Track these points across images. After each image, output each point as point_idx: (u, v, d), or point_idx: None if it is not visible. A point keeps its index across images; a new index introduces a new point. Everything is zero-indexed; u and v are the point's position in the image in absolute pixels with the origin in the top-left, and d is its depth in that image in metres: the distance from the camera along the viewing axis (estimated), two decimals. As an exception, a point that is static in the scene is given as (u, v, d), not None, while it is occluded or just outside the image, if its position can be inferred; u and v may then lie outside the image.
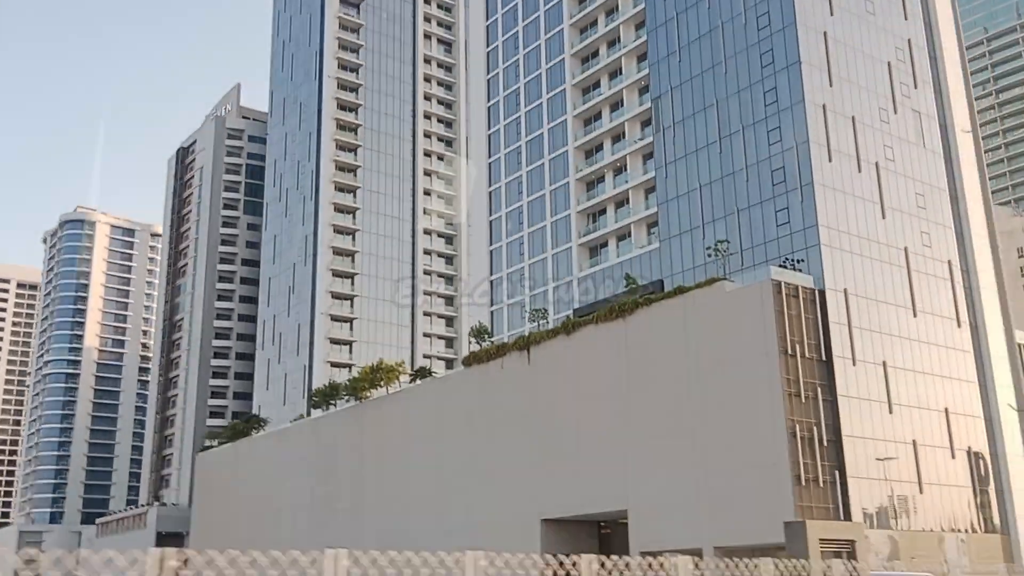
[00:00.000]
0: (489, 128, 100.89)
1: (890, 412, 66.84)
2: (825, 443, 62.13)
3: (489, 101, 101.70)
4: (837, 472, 62.13)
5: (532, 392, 78.57)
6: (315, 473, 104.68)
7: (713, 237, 73.70)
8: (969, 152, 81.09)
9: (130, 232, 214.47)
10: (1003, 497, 72.80)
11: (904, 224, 73.87)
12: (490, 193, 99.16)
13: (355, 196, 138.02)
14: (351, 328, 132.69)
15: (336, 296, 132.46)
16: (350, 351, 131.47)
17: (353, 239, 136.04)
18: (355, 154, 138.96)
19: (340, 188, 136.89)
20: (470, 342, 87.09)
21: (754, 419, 62.25)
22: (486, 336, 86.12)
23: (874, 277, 69.79)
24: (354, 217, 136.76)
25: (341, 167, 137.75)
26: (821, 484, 60.97)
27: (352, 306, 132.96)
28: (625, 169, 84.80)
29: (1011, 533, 72.06)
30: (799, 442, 60.63)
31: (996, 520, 71.43)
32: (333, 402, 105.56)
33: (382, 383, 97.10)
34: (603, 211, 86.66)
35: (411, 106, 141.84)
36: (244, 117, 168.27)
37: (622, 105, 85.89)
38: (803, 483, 59.92)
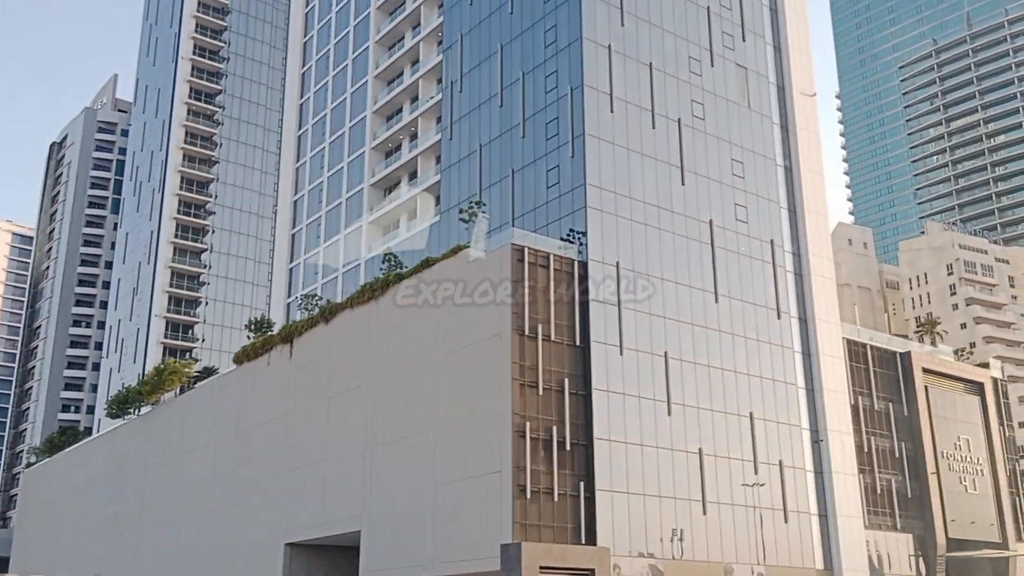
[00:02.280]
0: (301, 97, 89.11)
1: (669, 414, 54.39)
2: (568, 447, 49.65)
3: (304, 67, 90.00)
4: (582, 484, 49.58)
5: (293, 391, 66.22)
6: (108, 490, 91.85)
7: (492, 204, 61.59)
8: (810, 120, 69.32)
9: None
10: (827, 523, 60.21)
11: (713, 194, 61.90)
12: (296, 169, 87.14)
13: (208, 189, 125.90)
14: (193, 333, 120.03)
15: (177, 298, 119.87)
16: (191, 358, 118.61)
17: (202, 236, 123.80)
18: (211, 143, 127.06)
19: (190, 180, 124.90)
20: (248, 336, 74.70)
21: (483, 416, 49.88)
22: (265, 328, 73.77)
23: (663, 252, 57.70)
24: (204, 212, 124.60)
25: (193, 158, 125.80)
26: (556, 498, 48.39)
27: (195, 309, 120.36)
28: (418, 133, 72.91)
29: (834, 566, 59.36)
30: (529, 444, 48.14)
31: (815, 550, 58.74)
32: (131, 410, 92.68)
33: (167, 387, 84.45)
34: (398, 183, 74.64)
35: (281, 95, 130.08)
36: (120, 110, 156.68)
37: (419, 60, 74.16)
38: (528, 496, 47.33)
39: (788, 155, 67.79)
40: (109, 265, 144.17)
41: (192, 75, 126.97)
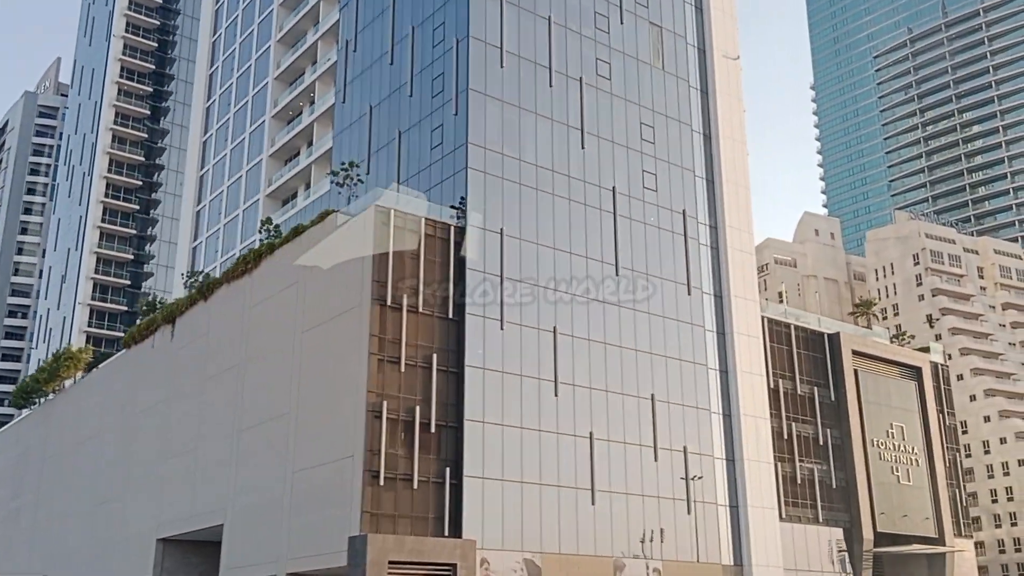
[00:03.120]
0: (211, 66, 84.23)
1: (556, 394, 49.67)
2: (433, 429, 44.91)
3: (214, 35, 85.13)
4: (448, 470, 44.84)
5: (173, 375, 61.49)
6: (11, 484, 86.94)
7: (377, 170, 56.87)
8: (732, 85, 64.69)
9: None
10: (737, 515, 55.57)
11: (618, 159, 57.23)
12: (203, 143, 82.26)
13: (138, 172, 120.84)
14: (119, 322, 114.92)
15: (103, 285, 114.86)
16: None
17: (131, 221, 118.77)
18: (143, 125, 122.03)
19: (119, 163, 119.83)
20: (140, 318, 69.88)
21: (339, 396, 45.15)
22: (151, 309, 68.97)
23: (556, 220, 52.98)
24: (134, 196, 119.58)
25: (123, 139, 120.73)
26: (416, 485, 43.64)
27: (123, 297, 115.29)
28: (315, 98, 68.08)
29: (744, 561, 54.73)
30: (386, 425, 43.40)
31: (722, 544, 54.09)
32: (36, 400, 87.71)
33: (63, 374, 79.55)
34: (297, 153, 69.80)
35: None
36: (62, 94, 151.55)
37: (319, 20, 69.33)
38: (382, 483, 42.58)
39: (707, 121, 63.17)
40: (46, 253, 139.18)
41: (125, 54, 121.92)
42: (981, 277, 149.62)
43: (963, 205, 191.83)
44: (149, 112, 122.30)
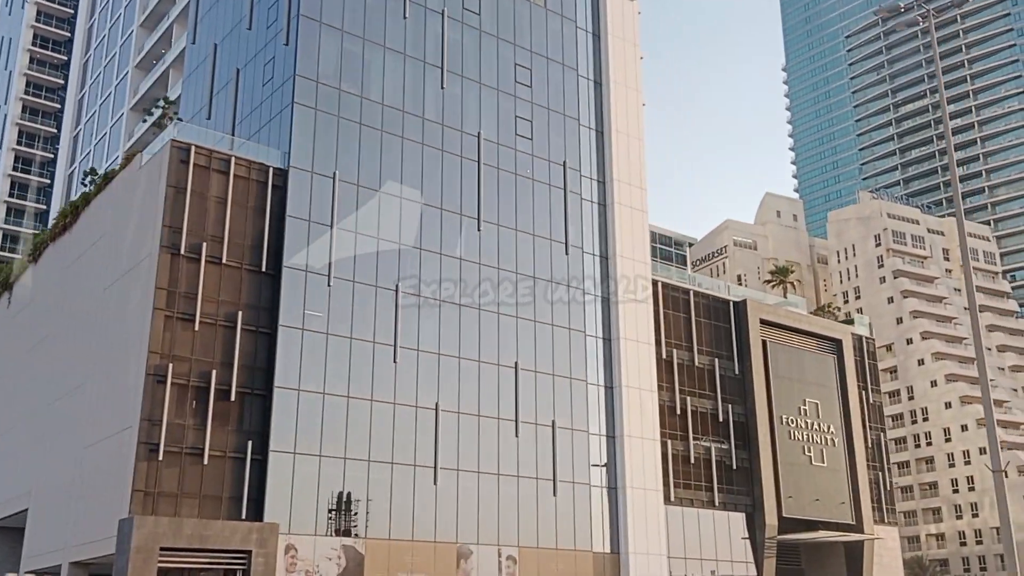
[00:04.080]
0: (88, 20, 78.12)
1: (395, 360, 43.77)
2: (234, 397, 39.05)
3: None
4: (251, 443, 39.00)
5: (7, 349, 55.61)
6: None
7: (217, 113, 50.92)
8: (628, 29, 58.84)
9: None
10: (616, 497, 49.80)
11: (486, 103, 51.36)
12: (78, 101, 76.17)
13: (51, 144, 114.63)
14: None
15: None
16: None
17: (41, 195, 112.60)
18: (57, 96, 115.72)
19: (30, 135, 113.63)
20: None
21: (126, 359, 39.27)
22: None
23: (407, 166, 47.09)
24: (42, 169, 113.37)
25: (35, 110, 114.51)
26: (207, 461, 37.80)
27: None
28: (172, 42, 62.02)
29: (621, 549, 48.97)
30: (171, 392, 37.54)
31: (595, 530, 48.31)
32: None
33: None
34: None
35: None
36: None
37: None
38: (161, 457, 36.71)
39: (599, 67, 57.26)
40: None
41: (38, 20, 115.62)
42: (947, 259, 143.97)
43: (935, 188, 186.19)
44: (63, 82, 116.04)
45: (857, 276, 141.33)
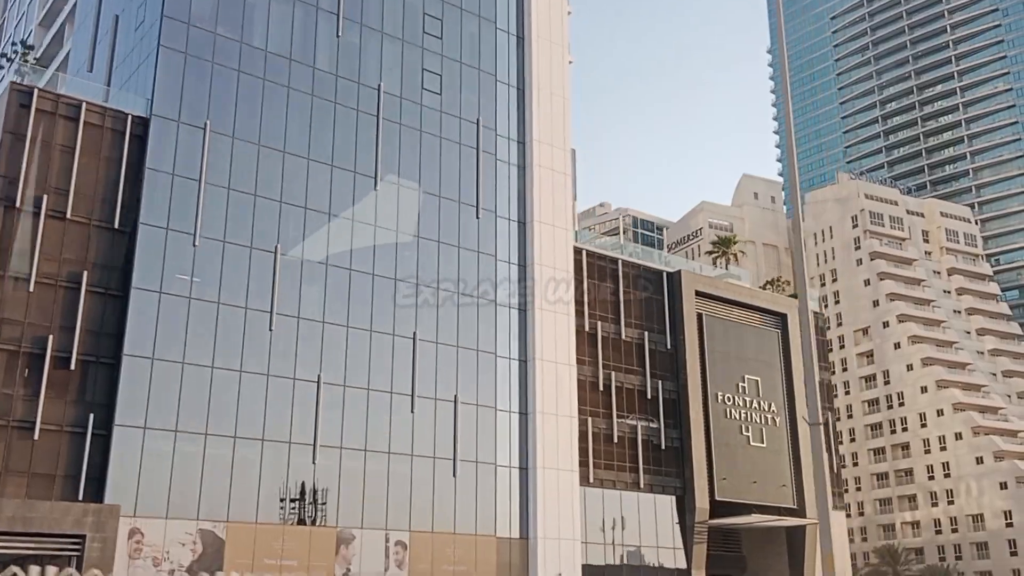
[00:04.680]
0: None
1: (271, 328, 40.09)
2: (74, 365, 35.36)
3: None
4: (93, 417, 35.31)
5: None
6: None
7: (99, 62, 47.09)
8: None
9: None
10: (526, 478, 46.18)
11: (388, 54, 47.57)
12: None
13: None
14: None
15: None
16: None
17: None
18: None
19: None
20: None
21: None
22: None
23: (291, 119, 43.33)
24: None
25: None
26: (38, 436, 34.13)
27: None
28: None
29: (530, 534, 45.37)
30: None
31: (500, 513, 44.72)
32: None
33: None
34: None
35: None
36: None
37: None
38: (-16, 430, 33.03)
39: (520, 21, 53.46)
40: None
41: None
42: (926, 241, 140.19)
43: (919, 171, 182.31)
44: None
45: (834, 258, 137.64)
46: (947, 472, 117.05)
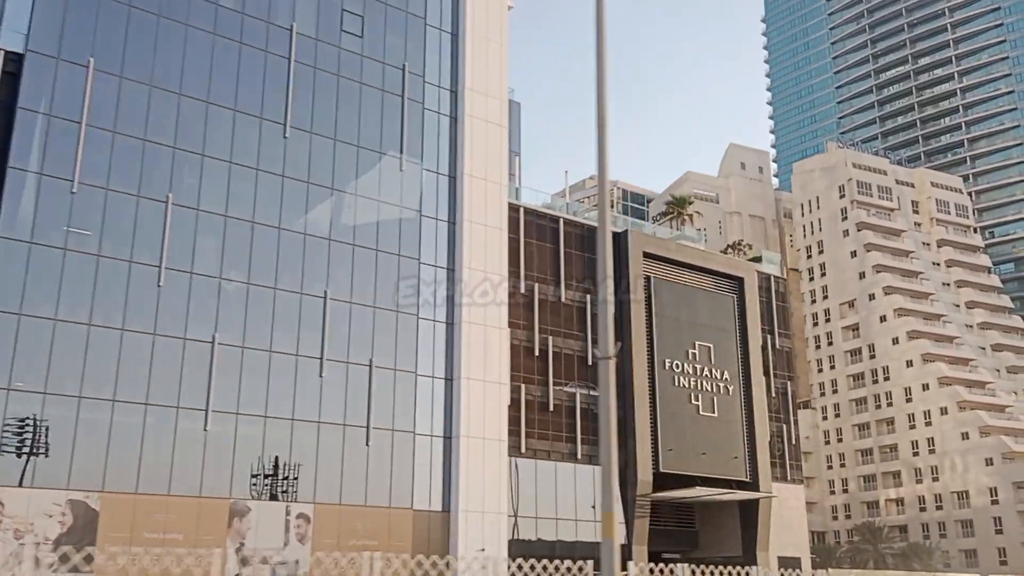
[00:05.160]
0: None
1: (159, 284, 37.01)
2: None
3: None
4: (-51, 376, 32.33)
5: None
6: None
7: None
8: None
9: None
10: (449, 448, 43.24)
11: (303, -7, 44.10)
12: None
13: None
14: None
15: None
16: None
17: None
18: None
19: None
20: None
21: None
22: None
23: (189, 59, 40.03)
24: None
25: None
26: None
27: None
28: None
29: (451, 507, 42.47)
30: None
31: (419, 484, 41.78)
32: None
33: None
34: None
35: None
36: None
37: None
38: None
39: (456, -40, 49.99)
40: None
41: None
42: (916, 212, 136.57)
43: (914, 141, 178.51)
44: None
45: (820, 230, 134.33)
46: (932, 448, 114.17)
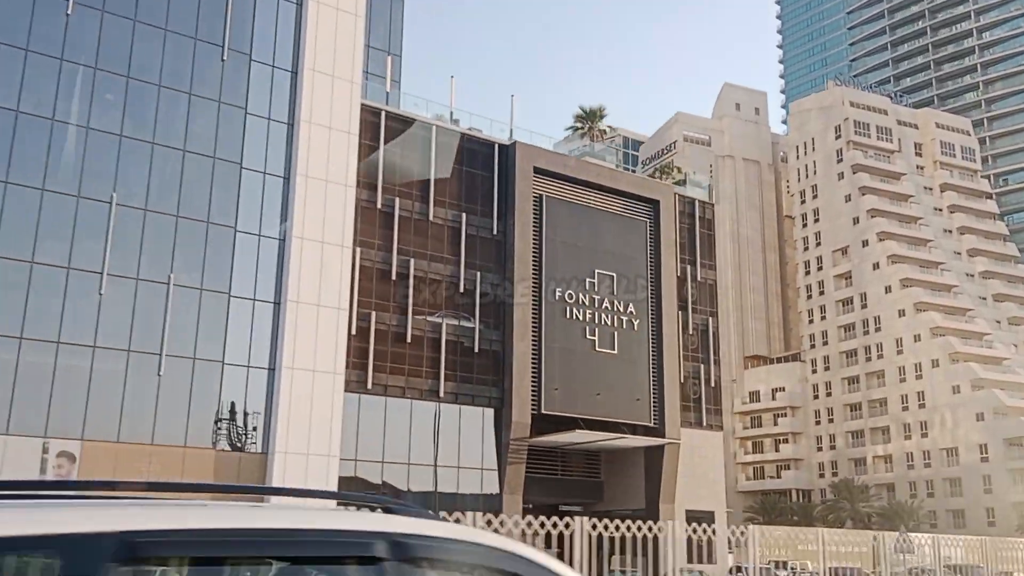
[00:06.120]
0: None
1: None
2: None
3: None
4: None
5: None
6: None
7: None
8: None
9: None
10: (270, 380, 37.47)
11: None
12: None
13: None
14: None
15: None
16: None
17: None
18: None
19: None
20: None
21: None
22: None
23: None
24: None
25: None
26: None
27: None
28: None
29: (269, 448, 36.81)
30: None
31: (224, 423, 36.06)
32: None
33: None
34: None
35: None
36: None
37: None
38: None
39: None
40: None
41: None
42: (919, 155, 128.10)
43: (927, 85, 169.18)
44: None
45: (816, 172, 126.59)
46: (922, 402, 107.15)
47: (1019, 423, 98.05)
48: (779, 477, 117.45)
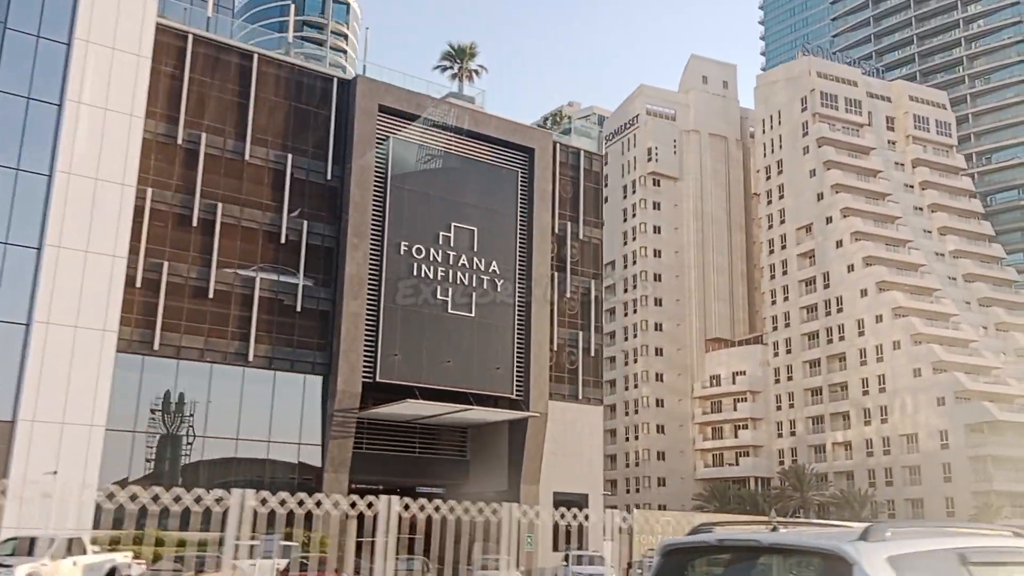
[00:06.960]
0: None
1: None
2: None
3: None
4: None
5: None
6: None
7: None
8: None
9: None
10: (26, 336, 32.05)
11: None
12: None
13: None
14: None
15: None
16: None
17: None
18: None
19: None
20: None
21: None
22: None
23: None
24: None
25: None
26: None
27: None
28: None
29: (17, 415, 31.42)
30: None
31: None
32: None
33: None
34: None
35: None
36: None
37: None
38: None
39: None
40: None
41: None
42: (891, 129, 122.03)
43: (910, 60, 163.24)
44: None
45: (781, 147, 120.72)
46: (882, 386, 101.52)
47: (981, 408, 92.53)
48: (737, 464, 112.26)
